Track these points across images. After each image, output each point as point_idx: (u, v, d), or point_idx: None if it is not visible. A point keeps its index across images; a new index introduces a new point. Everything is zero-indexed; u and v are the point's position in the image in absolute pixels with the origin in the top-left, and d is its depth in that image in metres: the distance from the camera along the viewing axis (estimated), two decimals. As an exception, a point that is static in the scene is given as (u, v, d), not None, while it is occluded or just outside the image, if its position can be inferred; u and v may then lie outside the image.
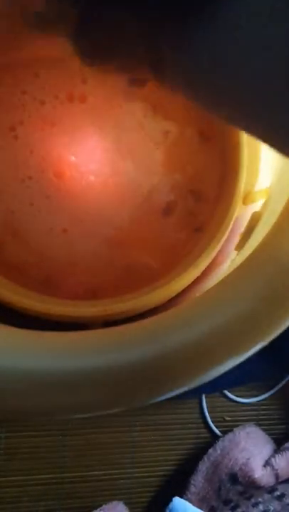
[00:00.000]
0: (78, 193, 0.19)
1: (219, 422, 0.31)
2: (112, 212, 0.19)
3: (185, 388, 0.10)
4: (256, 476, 0.28)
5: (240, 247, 0.19)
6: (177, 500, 0.26)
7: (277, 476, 0.28)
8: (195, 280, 0.19)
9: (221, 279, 0.19)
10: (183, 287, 0.19)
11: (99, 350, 0.10)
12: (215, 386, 0.30)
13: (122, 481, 0.30)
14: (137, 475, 0.30)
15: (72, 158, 0.19)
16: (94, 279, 0.19)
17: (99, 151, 0.19)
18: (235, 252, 0.19)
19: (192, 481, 0.30)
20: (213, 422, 0.31)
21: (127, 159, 0.20)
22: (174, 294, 0.19)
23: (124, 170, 0.20)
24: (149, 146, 0.20)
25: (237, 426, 0.31)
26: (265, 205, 0.18)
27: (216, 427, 0.31)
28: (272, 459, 0.29)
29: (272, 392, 0.32)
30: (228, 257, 0.20)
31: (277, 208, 0.14)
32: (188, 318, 0.11)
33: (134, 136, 0.20)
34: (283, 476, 0.28)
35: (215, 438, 0.30)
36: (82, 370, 0.10)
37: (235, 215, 0.19)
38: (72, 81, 0.20)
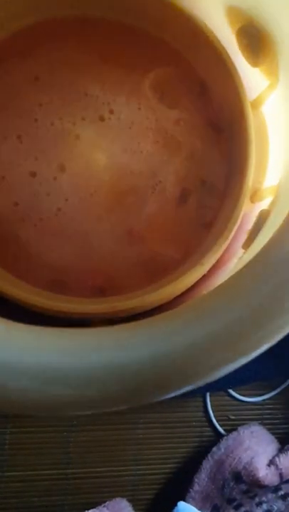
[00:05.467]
0: (89, 187, 0.19)
1: (223, 420, 0.31)
2: (125, 205, 0.19)
3: (193, 386, 0.10)
4: (260, 475, 0.28)
5: (247, 245, 0.18)
6: (182, 505, 0.26)
7: (281, 476, 0.28)
8: (201, 278, 0.19)
9: (227, 276, 0.19)
10: (189, 285, 0.19)
11: (108, 348, 0.10)
12: (220, 384, 0.30)
13: (125, 477, 0.30)
14: (140, 472, 0.30)
15: (82, 151, 0.19)
16: (104, 276, 0.19)
17: (110, 140, 0.19)
18: (242, 250, 0.19)
19: (196, 480, 0.30)
20: (217, 421, 0.31)
21: (137, 152, 0.20)
22: (179, 292, 0.19)
23: (136, 158, 0.20)
24: (161, 133, 0.20)
25: (241, 425, 0.31)
26: (273, 203, 0.18)
27: (220, 425, 0.31)
28: (277, 459, 0.29)
29: (277, 391, 0.31)
30: (234, 255, 0.20)
31: (286, 206, 0.13)
32: (197, 316, 0.11)
33: (145, 124, 0.20)
34: (287, 475, 0.28)
35: (219, 437, 0.30)
36: (91, 367, 0.10)
37: (243, 212, 0.19)
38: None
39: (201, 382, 0.10)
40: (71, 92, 0.19)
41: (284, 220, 0.12)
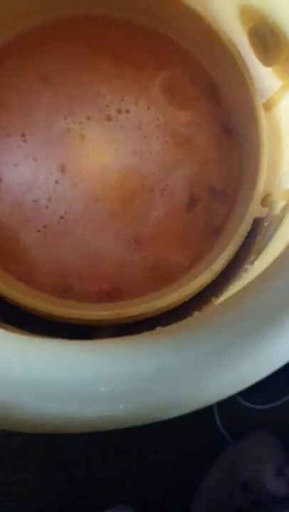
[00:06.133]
0: (97, 192, 0.19)
1: (231, 427, 0.31)
2: (132, 210, 0.19)
3: (214, 400, 0.10)
4: (268, 485, 0.27)
5: (258, 251, 0.18)
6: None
7: (289, 486, 0.27)
8: (210, 283, 0.19)
9: (237, 282, 0.18)
10: (197, 291, 0.19)
11: (127, 359, 0.10)
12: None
13: (131, 483, 0.30)
14: (146, 477, 0.30)
15: (87, 152, 0.19)
16: (110, 281, 0.19)
17: (117, 141, 0.19)
18: (253, 256, 0.18)
19: (203, 487, 0.29)
20: (224, 428, 0.30)
21: (146, 154, 0.19)
22: (187, 298, 0.19)
23: (144, 160, 0.19)
24: (171, 135, 0.19)
25: (248, 432, 0.30)
26: (286, 207, 0.17)
27: (228, 432, 0.30)
28: (285, 468, 0.28)
29: (285, 398, 0.31)
30: (245, 260, 0.19)
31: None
32: (214, 328, 0.10)
33: (154, 125, 0.19)
34: (296, 485, 0.28)
35: (226, 443, 0.30)
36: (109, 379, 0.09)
37: (253, 216, 0.18)
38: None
39: (223, 396, 0.10)
40: (78, 90, 0.19)
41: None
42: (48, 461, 0.29)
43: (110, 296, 0.20)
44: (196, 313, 0.17)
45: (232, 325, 0.11)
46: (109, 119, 0.19)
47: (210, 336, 0.11)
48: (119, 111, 0.19)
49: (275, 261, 0.12)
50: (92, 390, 0.10)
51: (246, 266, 0.19)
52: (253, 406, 0.30)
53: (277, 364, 0.11)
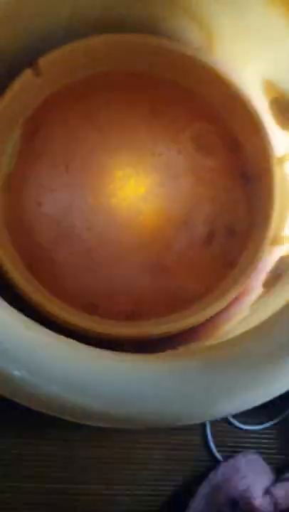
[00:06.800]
0: (128, 223, 0.21)
1: (222, 446, 0.32)
2: (159, 242, 0.22)
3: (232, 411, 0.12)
4: (256, 504, 0.28)
5: (268, 284, 0.21)
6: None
7: (276, 506, 0.29)
8: (221, 310, 0.21)
9: (245, 309, 0.21)
10: (209, 316, 0.21)
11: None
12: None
13: (122, 497, 0.30)
14: (137, 493, 0.31)
15: (125, 191, 0.21)
16: (133, 303, 0.21)
17: (150, 178, 0.22)
18: (263, 288, 0.21)
19: (192, 505, 0.30)
20: (215, 447, 0.31)
21: (173, 193, 0.22)
22: (200, 322, 0.21)
23: (172, 197, 0.22)
24: (196, 178, 0.22)
25: (239, 452, 0.31)
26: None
27: (218, 451, 0.31)
28: (272, 488, 0.29)
29: (275, 421, 0.32)
30: (253, 291, 0.22)
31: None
32: (239, 352, 0.13)
33: (181, 172, 0.22)
34: (282, 505, 0.29)
35: (216, 462, 0.31)
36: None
37: (264, 255, 0.21)
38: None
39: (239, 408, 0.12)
40: (120, 134, 0.22)
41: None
42: (43, 470, 0.29)
43: (131, 315, 0.22)
44: (208, 343, 0.20)
45: (241, 359, 0.13)
46: (144, 160, 0.22)
47: (222, 366, 0.13)
48: (153, 153, 0.22)
49: (281, 308, 0.14)
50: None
51: (254, 297, 0.21)
52: (244, 426, 0.32)
53: (274, 394, 0.13)
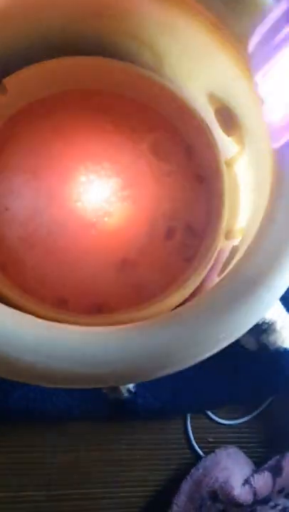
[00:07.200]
0: (93, 222, 0.23)
1: (203, 443, 0.32)
2: (123, 239, 0.23)
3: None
4: (235, 493, 0.29)
5: (221, 273, 0.23)
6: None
7: (255, 494, 0.30)
8: (184, 300, 0.23)
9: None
10: (174, 306, 0.23)
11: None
12: (199, 407, 0.32)
13: (106, 500, 0.31)
14: (121, 494, 0.31)
15: (89, 193, 0.23)
16: (101, 297, 0.23)
17: (111, 184, 0.24)
18: (218, 277, 0.23)
19: (175, 501, 0.31)
20: (197, 443, 0.32)
21: (134, 195, 0.24)
22: (167, 310, 0.23)
23: (132, 203, 0.24)
24: (155, 182, 0.24)
25: (219, 447, 0.32)
26: (241, 240, 0.22)
27: (200, 447, 0.32)
28: (251, 478, 0.30)
29: (252, 415, 0.33)
30: (211, 282, 0.24)
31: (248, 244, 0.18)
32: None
33: (142, 176, 0.24)
34: (261, 494, 0.30)
35: (198, 459, 0.31)
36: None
37: (219, 248, 0.23)
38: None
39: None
40: (84, 143, 0.24)
41: (241, 257, 0.16)
42: (25, 478, 0.29)
43: (100, 309, 0.23)
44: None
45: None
46: (107, 167, 0.24)
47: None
48: (115, 161, 0.24)
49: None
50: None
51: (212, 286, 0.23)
52: (223, 421, 0.33)
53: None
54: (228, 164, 0.24)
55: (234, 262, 0.19)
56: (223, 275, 0.20)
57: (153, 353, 0.14)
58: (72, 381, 0.13)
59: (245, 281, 0.15)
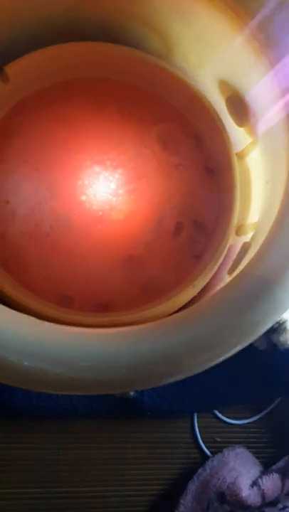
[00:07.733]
0: (99, 218, 0.23)
1: (210, 442, 0.32)
2: (130, 235, 0.23)
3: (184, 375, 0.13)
4: (243, 495, 0.28)
5: (232, 271, 0.22)
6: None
7: (263, 496, 0.29)
8: (192, 299, 0.22)
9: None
10: (181, 305, 0.22)
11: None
12: (207, 405, 0.31)
13: (111, 498, 0.30)
14: (126, 493, 0.31)
15: (94, 187, 0.23)
16: (107, 294, 0.22)
17: (119, 176, 0.23)
18: (228, 275, 0.22)
19: (182, 501, 0.30)
20: (204, 443, 0.32)
21: (142, 188, 0.23)
22: (172, 311, 0.22)
23: (139, 197, 0.23)
24: (163, 175, 0.23)
25: (227, 447, 0.31)
26: (253, 236, 0.21)
27: (207, 447, 0.31)
28: (260, 480, 0.30)
29: (262, 414, 0.32)
30: (221, 280, 0.23)
31: (262, 240, 0.17)
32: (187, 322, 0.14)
33: (149, 168, 0.23)
34: (269, 496, 0.29)
35: (205, 458, 0.31)
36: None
37: (229, 244, 0.22)
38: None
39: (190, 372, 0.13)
40: (89, 131, 0.23)
41: (256, 252, 0.15)
42: (32, 475, 0.29)
43: (106, 306, 0.22)
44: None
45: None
46: (113, 158, 0.23)
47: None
48: (122, 152, 0.23)
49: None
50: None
51: (222, 284, 0.22)
52: (231, 421, 0.32)
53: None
54: (240, 156, 0.23)
55: (246, 259, 0.18)
56: (234, 274, 0.19)
57: (164, 360, 0.13)
58: (77, 388, 0.13)
59: (260, 281, 0.14)
